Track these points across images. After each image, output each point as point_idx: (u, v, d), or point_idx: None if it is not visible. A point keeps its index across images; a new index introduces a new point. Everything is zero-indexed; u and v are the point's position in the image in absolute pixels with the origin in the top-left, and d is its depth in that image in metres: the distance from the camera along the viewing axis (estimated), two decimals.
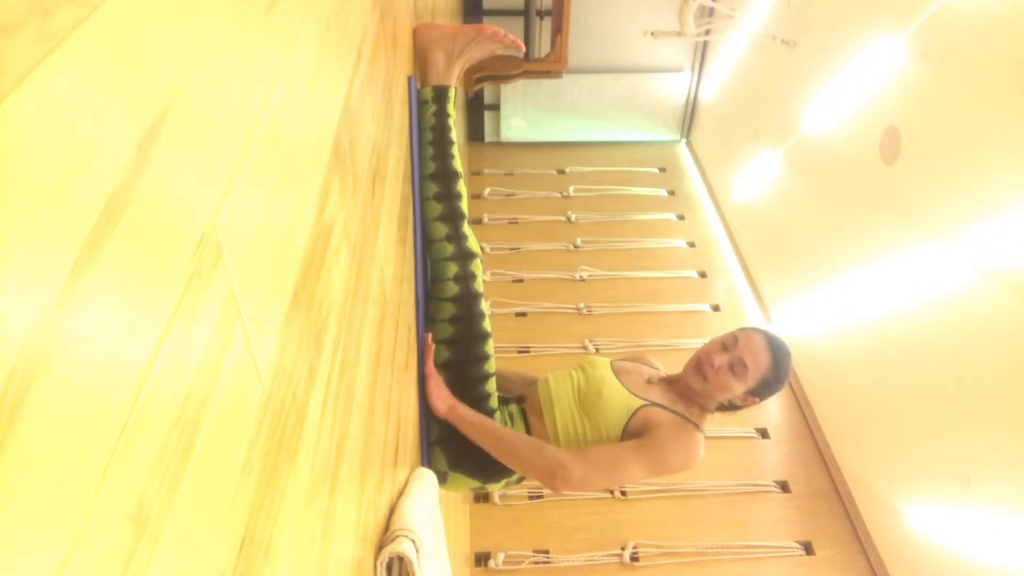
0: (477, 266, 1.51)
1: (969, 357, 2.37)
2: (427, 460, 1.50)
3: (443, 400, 1.44)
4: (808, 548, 3.07)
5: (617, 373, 1.53)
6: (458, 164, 1.52)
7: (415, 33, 1.57)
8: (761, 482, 3.31)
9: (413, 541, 1.06)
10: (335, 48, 0.86)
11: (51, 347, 0.30)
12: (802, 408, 3.64)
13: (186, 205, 0.43)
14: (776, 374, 1.46)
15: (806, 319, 3.65)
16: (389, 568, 1.03)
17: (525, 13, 4.20)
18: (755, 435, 3.52)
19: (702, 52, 5.30)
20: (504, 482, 1.52)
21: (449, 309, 1.48)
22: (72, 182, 0.32)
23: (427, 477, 1.39)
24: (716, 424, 1.50)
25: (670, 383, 1.55)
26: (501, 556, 2.95)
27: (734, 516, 3.17)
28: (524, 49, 1.53)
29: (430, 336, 1.54)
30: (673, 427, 1.41)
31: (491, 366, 1.52)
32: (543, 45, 4.68)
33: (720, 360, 1.44)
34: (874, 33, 2.93)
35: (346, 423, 0.85)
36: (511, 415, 1.54)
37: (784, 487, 3.31)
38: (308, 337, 0.69)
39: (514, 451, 1.40)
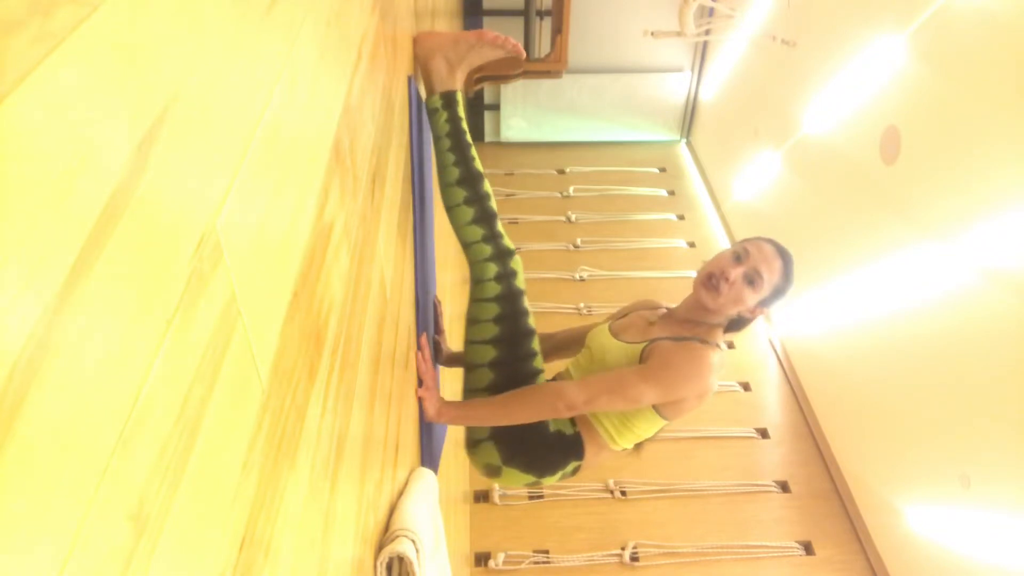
0: (517, 263, 1.50)
1: (969, 357, 2.37)
2: (478, 455, 1.49)
3: (432, 404, 1.45)
4: (808, 548, 3.07)
5: (616, 334, 1.52)
6: (479, 165, 1.52)
7: (415, 42, 1.57)
8: (761, 482, 3.31)
9: (413, 541, 1.06)
10: (335, 48, 0.86)
11: (51, 347, 0.30)
12: (802, 408, 3.64)
13: (186, 205, 0.43)
14: (785, 280, 1.45)
15: (806, 319, 3.65)
16: (389, 568, 1.03)
17: (525, 13, 4.20)
18: (755, 435, 3.52)
19: (702, 52, 5.30)
20: (560, 474, 1.51)
21: (493, 309, 1.47)
22: (72, 182, 0.32)
23: (427, 477, 1.39)
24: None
25: (670, 315, 1.53)
26: (501, 556, 2.95)
27: (734, 516, 3.17)
28: (524, 55, 1.52)
29: (424, 337, 1.54)
30: (677, 347, 1.39)
31: (539, 362, 1.51)
32: (543, 45, 4.68)
33: (735, 273, 1.41)
34: (874, 33, 2.93)
35: (346, 423, 0.85)
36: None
37: (784, 487, 3.31)
38: (308, 337, 0.69)
39: (513, 408, 1.40)
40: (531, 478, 1.50)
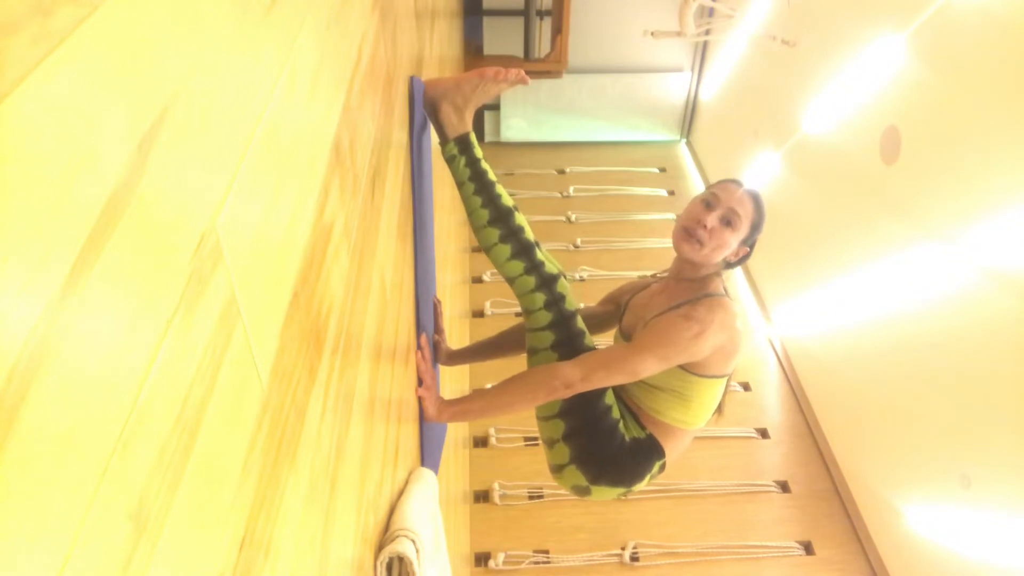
0: (563, 285, 1.50)
1: (969, 357, 2.37)
2: (564, 478, 1.48)
3: (432, 403, 1.45)
4: (808, 548, 3.07)
5: (627, 337, 1.52)
6: (507, 199, 1.52)
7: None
8: (761, 482, 3.31)
9: (413, 541, 1.06)
10: (335, 48, 0.86)
11: (51, 347, 0.30)
12: (802, 408, 3.64)
13: (186, 205, 0.43)
14: (758, 212, 1.45)
15: (806, 319, 3.65)
16: (389, 568, 1.03)
17: (525, 13, 4.20)
18: (755, 435, 3.52)
19: (702, 52, 5.30)
20: (648, 477, 1.50)
21: (548, 337, 1.47)
22: (72, 182, 0.32)
23: (427, 477, 1.39)
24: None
25: (665, 282, 1.53)
26: (501, 556, 2.95)
27: (734, 516, 3.17)
28: (528, 82, 1.52)
29: (424, 337, 1.54)
30: (670, 314, 1.39)
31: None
32: (543, 45, 4.68)
33: (711, 218, 1.41)
34: (874, 33, 2.93)
35: (346, 423, 0.85)
36: (626, 421, 1.52)
37: (784, 487, 3.31)
38: (308, 337, 0.69)
39: (511, 395, 1.40)
40: (622, 490, 1.49)
